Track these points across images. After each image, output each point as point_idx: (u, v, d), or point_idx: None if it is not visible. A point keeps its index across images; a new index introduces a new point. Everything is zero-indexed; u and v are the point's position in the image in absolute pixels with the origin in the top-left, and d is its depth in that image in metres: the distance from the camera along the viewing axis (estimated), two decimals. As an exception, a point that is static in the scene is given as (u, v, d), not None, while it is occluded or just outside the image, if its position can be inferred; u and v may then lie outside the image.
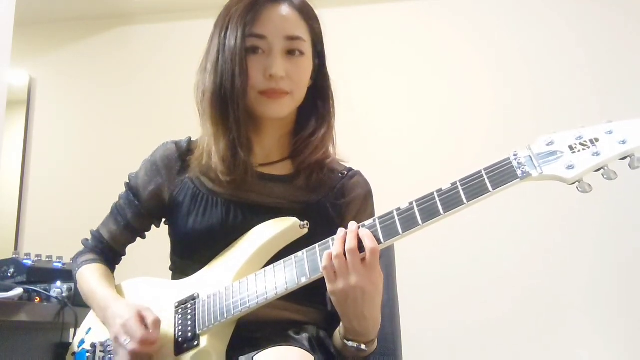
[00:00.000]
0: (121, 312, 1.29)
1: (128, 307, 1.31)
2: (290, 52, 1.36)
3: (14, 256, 2.04)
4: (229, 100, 1.32)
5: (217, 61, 1.34)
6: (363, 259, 1.12)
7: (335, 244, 1.14)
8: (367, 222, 1.15)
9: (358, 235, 1.13)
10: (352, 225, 1.15)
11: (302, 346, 1.21)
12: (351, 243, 1.12)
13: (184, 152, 1.46)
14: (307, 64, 1.39)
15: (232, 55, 1.32)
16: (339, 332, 1.26)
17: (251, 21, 1.33)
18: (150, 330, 1.24)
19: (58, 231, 3.41)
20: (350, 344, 1.22)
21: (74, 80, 3.91)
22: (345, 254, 1.12)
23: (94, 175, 3.66)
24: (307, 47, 1.38)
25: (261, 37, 1.33)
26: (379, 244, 1.12)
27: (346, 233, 1.15)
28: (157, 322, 1.26)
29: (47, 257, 2.08)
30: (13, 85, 3.59)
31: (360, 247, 1.13)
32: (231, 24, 1.34)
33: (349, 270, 1.12)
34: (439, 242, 2.98)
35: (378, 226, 1.13)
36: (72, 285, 1.91)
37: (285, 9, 1.36)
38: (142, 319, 1.26)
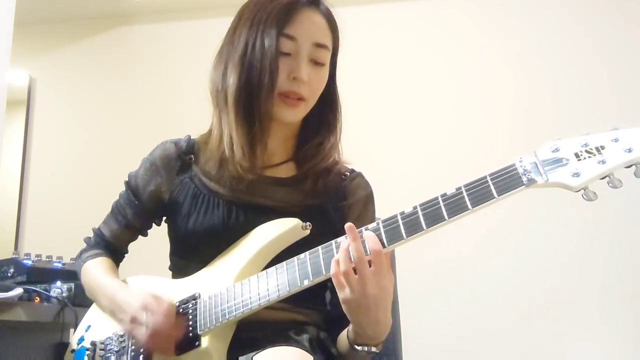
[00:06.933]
0: (135, 295, 1.31)
1: (140, 291, 1.33)
2: (314, 60, 1.36)
3: (14, 256, 2.05)
4: (255, 97, 1.32)
5: (245, 55, 1.34)
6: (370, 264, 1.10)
7: (341, 260, 1.11)
8: (371, 226, 1.15)
9: (362, 238, 1.11)
10: (352, 231, 1.11)
11: (302, 347, 1.21)
12: (356, 253, 1.10)
13: (183, 152, 1.46)
14: (326, 74, 1.41)
15: (264, 53, 1.31)
16: (347, 337, 1.24)
17: (286, 22, 1.33)
18: (168, 307, 1.26)
19: (58, 231, 3.41)
20: (360, 348, 1.20)
21: (74, 80, 3.91)
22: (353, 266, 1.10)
23: (94, 175, 3.66)
24: (328, 57, 1.40)
25: (292, 39, 1.33)
26: (383, 247, 1.12)
27: (349, 243, 1.11)
28: (172, 304, 1.28)
29: (47, 257, 2.08)
30: (13, 85, 3.58)
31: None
32: (266, 21, 1.34)
33: (359, 280, 1.10)
34: (447, 247, 2.98)
35: (382, 230, 1.13)
36: (72, 285, 1.91)
37: (317, 16, 1.38)
38: (157, 299, 1.28)
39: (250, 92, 1.32)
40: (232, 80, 1.35)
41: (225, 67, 1.38)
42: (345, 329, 1.26)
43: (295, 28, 1.34)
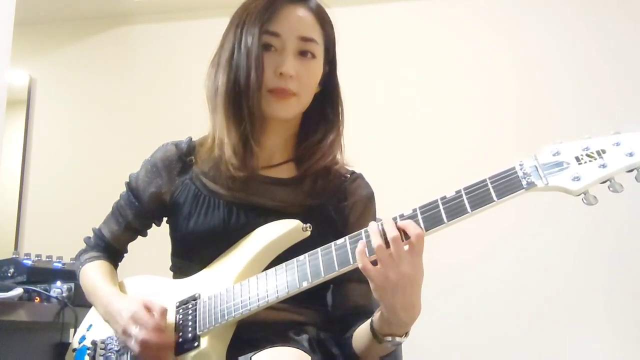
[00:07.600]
0: (127, 306, 1.30)
1: (132, 300, 1.32)
2: (302, 53, 1.37)
3: (14, 256, 2.05)
4: (243, 95, 1.32)
5: (232, 56, 1.35)
6: (406, 247, 1.09)
7: (372, 238, 1.10)
8: None
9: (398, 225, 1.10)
10: (385, 219, 1.12)
11: (301, 347, 1.21)
12: (394, 232, 1.09)
13: (184, 153, 1.46)
14: (317, 68, 1.40)
15: (248, 51, 1.32)
16: (370, 329, 1.22)
17: (268, 19, 1.34)
18: (159, 319, 1.26)
19: (58, 231, 3.40)
20: (389, 339, 1.19)
21: (74, 80, 3.90)
22: (386, 245, 1.09)
23: (94, 175, 3.65)
24: (319, 50, 1.39)
25: (275, 35, 1.34)
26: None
27: (381, 224, 1.11)
28: (164, 311, 1.28)
29: (47, 257, 2.09)
30: (13, 85, 3.56)
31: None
32: (248, 21, 1.35)
33: (396, 259, 1.08)
34: (447, 250, 2.96)
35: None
36: (72, 285, 1.92)
37: (302, 11, 1.38)
38: (149, 309, 1.28)
39: (239, 91, 1.33)
40: (221, 81, 1.36)
41: (216, 70, 1.39)
42: (364, 323, 1.25)
43: (277, 24, 1.35)
